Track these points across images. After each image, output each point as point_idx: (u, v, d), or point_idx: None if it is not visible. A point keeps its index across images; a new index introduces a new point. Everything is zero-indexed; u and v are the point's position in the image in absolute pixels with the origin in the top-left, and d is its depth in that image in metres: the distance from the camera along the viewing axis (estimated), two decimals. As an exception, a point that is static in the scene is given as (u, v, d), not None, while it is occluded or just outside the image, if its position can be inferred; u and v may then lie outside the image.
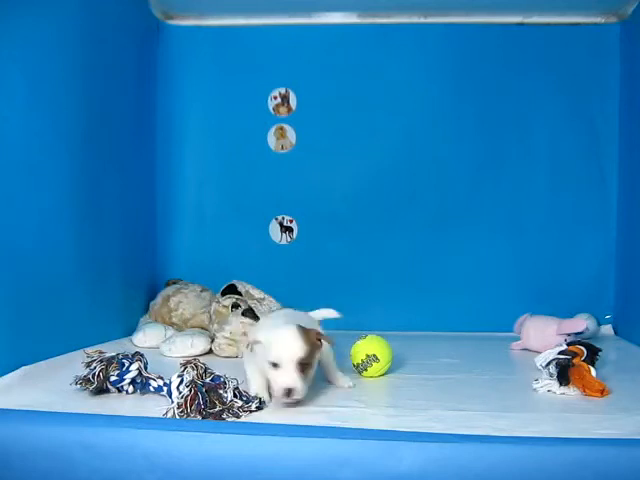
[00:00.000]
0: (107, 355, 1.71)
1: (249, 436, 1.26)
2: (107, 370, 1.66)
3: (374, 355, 1.92)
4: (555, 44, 2.84)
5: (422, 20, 2.87)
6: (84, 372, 1.66)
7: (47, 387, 1.71)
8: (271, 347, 1.58)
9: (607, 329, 2.76)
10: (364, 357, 1.93)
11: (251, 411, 1.52)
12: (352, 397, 1.69)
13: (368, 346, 1.94)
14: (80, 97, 2.19)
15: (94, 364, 1.67)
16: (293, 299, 2.45)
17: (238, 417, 1.48)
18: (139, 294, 2.72)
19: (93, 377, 1.64)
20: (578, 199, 2.85)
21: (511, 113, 2.86)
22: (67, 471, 1.26)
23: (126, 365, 1.68)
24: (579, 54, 2.84)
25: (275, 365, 1.57)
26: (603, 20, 2.82)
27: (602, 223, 2.84)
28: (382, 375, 1.95)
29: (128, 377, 1.67)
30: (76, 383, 1.65)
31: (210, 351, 2.26)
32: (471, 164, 2.87)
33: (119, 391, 1.68)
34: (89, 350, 1.76)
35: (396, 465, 1.19)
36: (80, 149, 2.20)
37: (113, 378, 1.66)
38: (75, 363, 1.74)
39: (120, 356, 1.71)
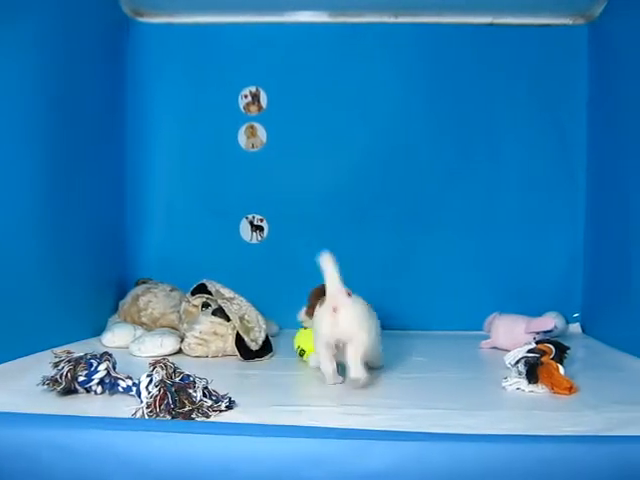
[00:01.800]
0: (75, 355, 1.69)
1: (219, 436, 1.25)
2: (75, 370, 1.64)
3: (300, 348, 2.11)
4: (524, 45, 2.85)
5: (393, 20, 2.87)
6: (52, 373, 1.64)
7: (14, 388, 1.68)
8: None
9: (575, 327, 2.79)
10: (296, 347, 2.13)
11: (221, 411, 1.52)
12: (324, 396, 1.69)
13: (299, 338, 2.14)
14: (47, 93, 2.16)
15: (62, 364, 1.65)
16: (264, 298, 2.46)
17: (208, 417, 1.48)
18: (108, 294, 2.69)
19: (61, 377, 1.62)
20: (547, 199, 2.87)
21: (481, 113, 2.87)
22: (35, 472, 1.25)
23: (94, 365, 1.66)
24: (548, 55, 2.86)
25: None
26: (571, 21, 2.84)
27: (570, 223, 2.86)
28: None
29: (96, 377, 1.65)
30: (44, 384, 1.63)
31: (180, 351, 2.24)
32: (442, 164, 2.88)
33: (87, 391, 1.66)
34: (57, 350, 1.73)
35: (368, 464, 1.20)
36: (45, 147, 2.17)
37: (81, 378, 1.64)
38: (43, 364, 1.72)
39: (88, 356, 1.69)
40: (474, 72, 2.86)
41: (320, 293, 1.98)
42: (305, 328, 2.15)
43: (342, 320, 1.80)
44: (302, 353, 2.11)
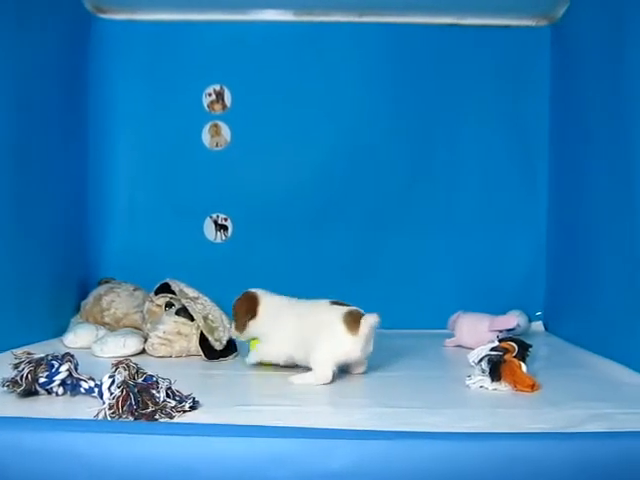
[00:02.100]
0: (36, 356, 1.66)
1: (183, 437, 1.24)
2: (36, 372, 1.62)
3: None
4: (487, 45, 2.88)
5: (357, 19, 2.87)
6: (12, 374, 1.61)
7: (-28, 390, 1.66)
8: None
9: (538, 325, 2.82)
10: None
11: (184, 411, 1.50)
12: (288, 395, 1.69)
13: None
14: (5, 90, 2.12)
15: (22, 365, 1.62)
16: (228, 298, 2.43)
17: (171, 417, 1.46)
18: (70, 294, 2.65)
19: (21, 379, 1.60)
20: (509, 199, 2.90)
21: (444, 113, 2.89)
22: (-5, 475, 1.23)
23: (55, 366, 1.64)
24: (511, 56, 2.88)
25: None
26: (534, 23, 2.87)
27: (533, 222, 2.89)
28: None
29: (58, 378, 1.63)
30: (3, 385, 1.60)
31: (143, 351, 2.22)
32: (406, 163, 2.90)
33: (49, 393, 1.64)
34: (17, 351, 1.70)
35: (332, 463, 1.19)
36: (4, 145, 2.13)
37: (42, 380, 1.62)
38: (2, 365, 1.69)
39: (49, 357, 1.66)
40: (437, 72, 2.88)
41: (247, 305, 2.04)
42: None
43: None
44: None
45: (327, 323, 1.88)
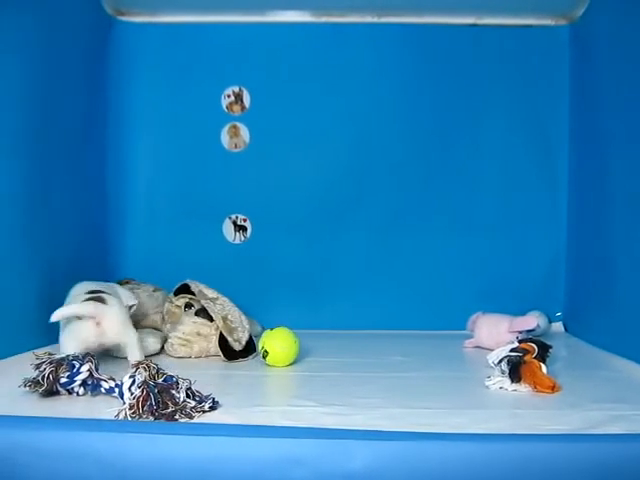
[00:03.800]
0: (57, 357, 1.68)
1: (202, 437, 1.25)
2: (57, 372, 1.63)
3: (264, 349, 2.07)
4: (507, 46, 2.87)
5: (376, 20, 2.87)
6: (33, 374, 1.63)
7: (-5, 389, 1.68)
8: None
9: (558, 326, 2.80)
10: (260, 348, 2.08)
11: (204, 411, 1.51)
12: (305, 396, 1.69)
13: (264, 339, 2.09)
14: (27, 93, 2.15)
15: (44, 366, 1.64)
16: (247, 298, 2.45)
17: (191, 418, 1.47)
18: (91, 294, 2.67)
19: (43, 379, 1.61)
20: (529, 199, 2.89)
21: (463, 113, 2.88)
22: (16, 476, 1.23)
23: (76, 367, 1.65)
24: (530, 56, 2.87)
25: None
26: (553, 22, 2.86)
27: (553, 222, 2.88)
28: (286, 365, 2.07)
29: (79, 379, 1.64)
30: (25, 385, 1.61)
31: (163, 351, 2.24)
32: (425, 164, 2.89)
33: (69, 393, 1.65)
34: (38, 352, 1.72)
35: (349, 464, 1.20)
36: (27, 147, 2.15)
37: (63, 380, 1.63)
38: (24, 365, 1.71)
39: (70, 357, 1.67)
40: (456, 73, 2.87)
41: None
42: (272, 329, 2.12)
43: None
44: (265, 355, 2.08)
45: None
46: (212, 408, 1.53)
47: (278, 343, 2.08)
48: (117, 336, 1.96)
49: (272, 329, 2.11)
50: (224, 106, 2.92)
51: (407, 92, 2.89)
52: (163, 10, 2.88)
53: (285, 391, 1.84)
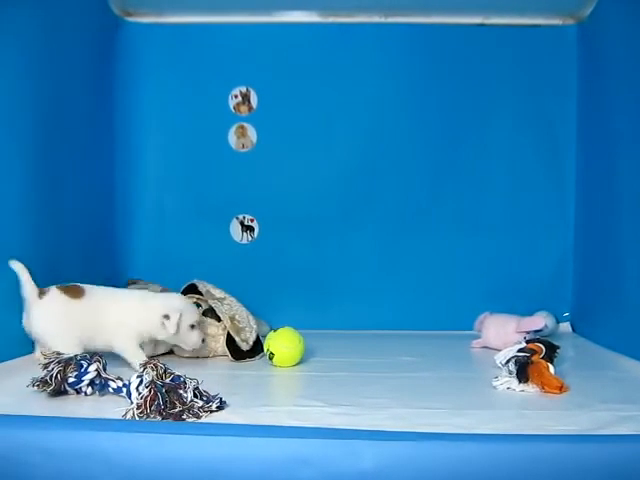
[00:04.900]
0: (65, 356, 1.68)
1: (210, 437, 1.25)
2: (65, 371, 1.63)
3: (270, 351, 2.07)
4: (515, 45, 2.87)
5: (383, 20, 2.87)
6: (41, 374, 1.63)
7: (3, 389, 1.68)
8: None
9: (565, 327, 2.80)
10: (266, 350, 2.09)
11: (211, 411, 1.51)
12: (313, 396, 1.69)
13: (269, 341, 2.09)
14: (36, 94, 2.16)
15: (52, 365, 1.64)
16: (254, 298, 2.45)
17: (198, 417, 1.47)
18: (98, 294, 2.67)
19: (51, 379, 1.61)
20: (537, 199, 2.88)
21: (471, 113, 2.88)
22: (24, 475, 1.24)
23: (84, 366, 1.66)
24: (538, 55, 2.87)
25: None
26: (561, 22, 2.85)
27: (560, 222, 2.87)
28: (292, 366, 2.08)
29: (87, 378, 1.64)
30: (33, 385, 1.62)
31: (171, 351, 2.24)
32: (432, 164, 2.89)
33: (77, 393, 1.65)
34: (46, 352, 1.73)
35: (357, 464, 1.20)
36: (36, 148, 2.17)
37: (71, 380, 1.64)
38: (32, 365, 1.71)
39: (78, 357, 1.68)
40: (464, 72, 2.87)
41: None
42: (275, 331, 2.12)
43: None
44: (271, 356, 2.08)
45: None
46: (219, 408, 1.53)
47: (283, 343, 2.08)
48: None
49: (275, 330, 2.12)
50: (231, 106, 2.92)
51: (415, 92, 2.89)
52: (170, 11, 2.88)
53: (292, 391, 1.84)
